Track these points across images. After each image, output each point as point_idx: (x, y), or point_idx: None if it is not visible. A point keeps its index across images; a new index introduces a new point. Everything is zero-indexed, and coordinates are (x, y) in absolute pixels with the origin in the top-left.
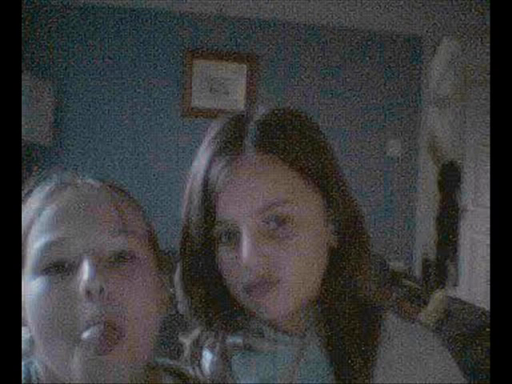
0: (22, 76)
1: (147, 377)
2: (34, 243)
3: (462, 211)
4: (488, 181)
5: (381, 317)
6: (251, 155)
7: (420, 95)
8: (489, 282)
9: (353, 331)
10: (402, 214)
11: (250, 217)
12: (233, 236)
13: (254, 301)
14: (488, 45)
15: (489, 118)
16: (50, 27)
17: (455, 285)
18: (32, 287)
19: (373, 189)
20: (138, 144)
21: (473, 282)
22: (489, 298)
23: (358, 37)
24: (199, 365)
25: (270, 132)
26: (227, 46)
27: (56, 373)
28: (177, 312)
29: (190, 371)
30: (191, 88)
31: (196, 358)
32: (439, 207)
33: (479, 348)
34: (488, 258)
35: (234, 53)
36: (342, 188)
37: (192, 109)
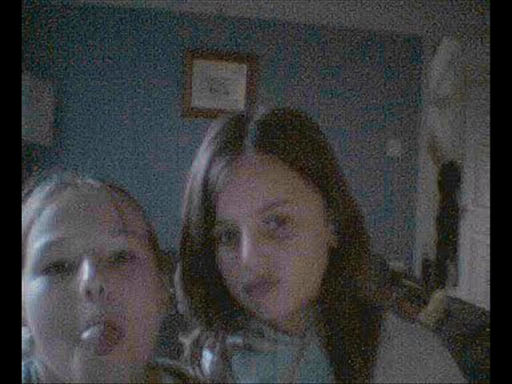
0: (22, 76)
1: (147, 377)
2: (34, 243)
3: (461, 211)
4: (488, 181)
5: (381, 317)
6: (251, 155)
7: (420, 95)
8: (489, 282)
9: (353, 331)
10: (402, 214)
11: (250, 217)
12: (233, 236)
13: (254, 301)
14: (488, 45)
15: (489, 118)
16: (50, 27)
17: (455, 285)
18: (32, 287)
19: (373, 189)
20: (138, 144)
21: (473, 281)
22: (489, 298)
23: (358, 37)
24: (199, 365)
25: (270, 132)
26: (227, 46)
27: (56, 373)
28: (177, 312)
29: (190, 371)
30: (191, 88)
31: (196, 358)
32: (439, 207)
33: (479, 348)
34: (488, 257)
35: (234, 53)
36: (342, 188)
37: (192, 109)
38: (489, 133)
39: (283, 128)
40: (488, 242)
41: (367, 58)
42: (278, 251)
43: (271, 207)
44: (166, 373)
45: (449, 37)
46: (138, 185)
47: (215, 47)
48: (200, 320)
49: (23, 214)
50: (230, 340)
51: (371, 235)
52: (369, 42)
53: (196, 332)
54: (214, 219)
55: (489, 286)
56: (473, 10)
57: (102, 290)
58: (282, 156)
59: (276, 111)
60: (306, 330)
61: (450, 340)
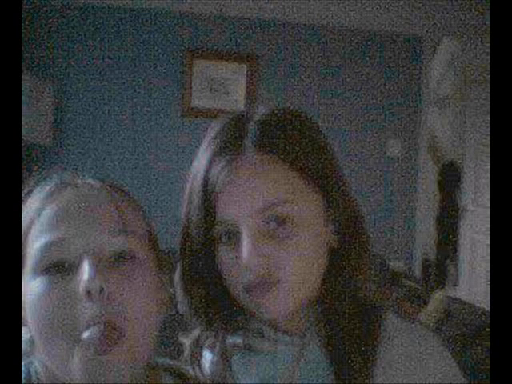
0: (22, 76)
1: (147, 377)
2: (34, 243)
3: (461, 211)
4: (488, 181)
5: (381, 317)
6: (251, 155)
7: (420, 95)
8: (489, 282)
9: (353, 331)
10: (402, 214)
11: (250, 217)
12: (233, 236)
13: (254, 301)
14: (488, 45)
15: (489, 118)
16: (50, 27)
17: (455, 285)
18: (32, 287)
19: (373, 189)
20: (138, 144)
21: (473, 281)
22: (489, 298)
23: (358, 37)
24: (199, 365)
25: (270, 132)
26: (227, 46)
27: (56, 373)
28: (177, 312)
29: (190, 371)
30: (191, 88)
31: (196, 358)
32: (439, 207)
33: (479, 348)
34: (488, 257)
35: (234, 53)
36: (342, 188)
37: (192, 109)
38: (489, 133)
39: (283, 128)
40: (488, 242)
41: (367, 58)
42: (278, 251)
43: (271, 207)
44: (166, 373)
45: (449, 37)
46: (138, 185)
47: (215, 47)
48: (200, 320)
49: (23, 214)
50: (230, 340)
51: (371, 235)
52: (369, 42)
53: (196, 332)
54: (214, 219)
55: (489, 286)
56: (473, 10)
57: (102, 290)
58: (282, 156)
59: (276, 111)
60: (306, 330)
61: (450, 340)
